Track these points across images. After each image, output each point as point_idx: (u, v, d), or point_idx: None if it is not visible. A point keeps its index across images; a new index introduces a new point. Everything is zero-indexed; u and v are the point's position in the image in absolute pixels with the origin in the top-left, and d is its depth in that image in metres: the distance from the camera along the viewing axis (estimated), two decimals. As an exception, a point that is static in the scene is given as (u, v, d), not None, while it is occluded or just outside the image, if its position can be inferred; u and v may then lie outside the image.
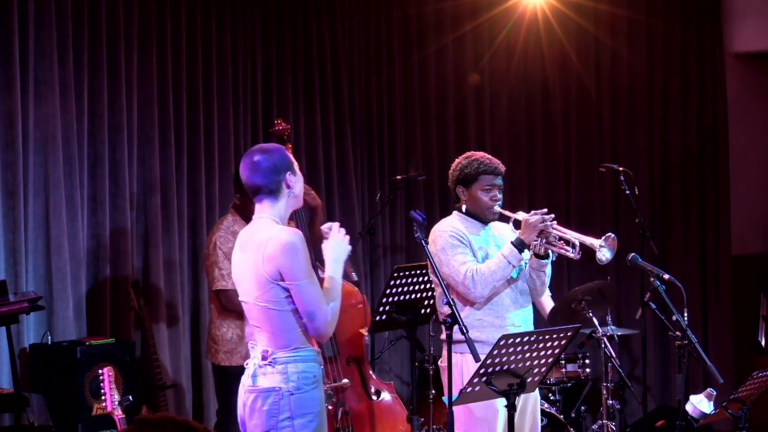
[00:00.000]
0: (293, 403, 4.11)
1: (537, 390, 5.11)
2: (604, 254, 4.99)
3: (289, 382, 4.12)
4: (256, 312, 4.19)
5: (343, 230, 4.35)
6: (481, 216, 5.19)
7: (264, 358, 4.16)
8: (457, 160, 5.25)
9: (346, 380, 6.07)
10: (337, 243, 4.32)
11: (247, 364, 4.28)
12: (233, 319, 5.95)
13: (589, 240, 5.01)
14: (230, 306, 5.92)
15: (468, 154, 5.25)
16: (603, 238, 4.99)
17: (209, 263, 6.00)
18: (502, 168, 5.20)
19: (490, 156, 5.23)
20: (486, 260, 5.09)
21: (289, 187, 4.26)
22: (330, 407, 5.94)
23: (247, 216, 5.84)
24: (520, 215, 5.13)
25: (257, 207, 4.30)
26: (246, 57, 7.23)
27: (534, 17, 8.30)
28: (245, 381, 4.23)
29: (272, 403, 4.11)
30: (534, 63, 8.40)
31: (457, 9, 8.22)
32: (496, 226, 5.28)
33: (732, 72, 8.45)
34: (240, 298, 4.32)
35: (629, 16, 8.40)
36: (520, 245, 5.01)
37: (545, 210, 5.09)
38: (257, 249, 4.15)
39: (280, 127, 6.30)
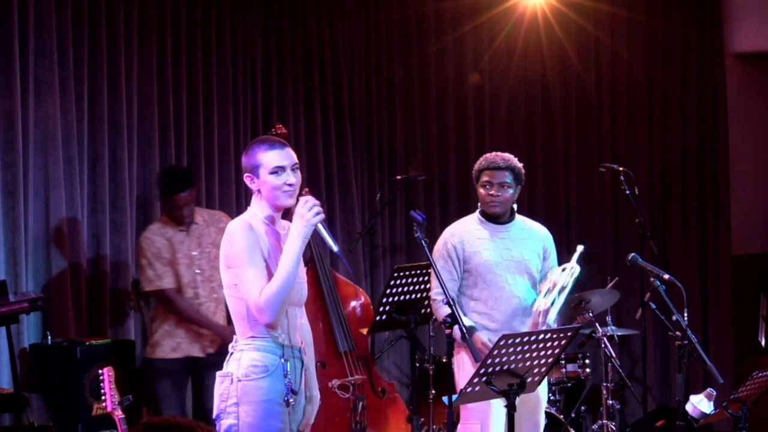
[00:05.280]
0: (240, 390, 4.18)
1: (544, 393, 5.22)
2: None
3: (240, 369, 4.19)
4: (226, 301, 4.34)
5: (310, 201, 4.20)
6: (486, 210, 5.31)
7: (233, 346, 4.26)
8: None
9: (359, 376, 6.12)
10: (298, 216, 4.19)
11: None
12: (164, 314, 6.10)
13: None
14: (168, 305, 6.09)
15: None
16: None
17: (139, 265, 6.16)
18: (500, 162, 5.28)
19: (497, 153, 5.37)
20: (487, 272, 5.20)
21: (253, 189, 4.26)
22: (350, 399, 6.00)
23: (174, 218, 6.11)
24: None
25: None
26: (246, 57, 7.23)
27: (534, 17, 8.30)
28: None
29: (224, 387, 4.20)
30: (534, 63, 8.39)
31: (457, 9, 8.21)
32: (523, 227, 5.37)
33: (732, 72, 8.44)
34: None
35: (629, 16, 8.40)
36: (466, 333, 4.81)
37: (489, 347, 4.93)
38: None
39: (279, 132, 6.31)
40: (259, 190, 4.24)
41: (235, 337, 4.26)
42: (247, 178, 4.26)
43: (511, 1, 8.19)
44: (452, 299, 4.53)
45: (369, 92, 7.94)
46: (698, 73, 8.41)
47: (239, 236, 4.15)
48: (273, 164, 4.22)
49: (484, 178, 5.28)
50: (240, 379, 4.18)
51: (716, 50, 8.40)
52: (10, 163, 6.05)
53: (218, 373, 4.27)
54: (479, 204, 5.37)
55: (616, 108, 8.49)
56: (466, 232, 5.29)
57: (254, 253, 4.14)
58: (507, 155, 5.35)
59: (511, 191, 5.27)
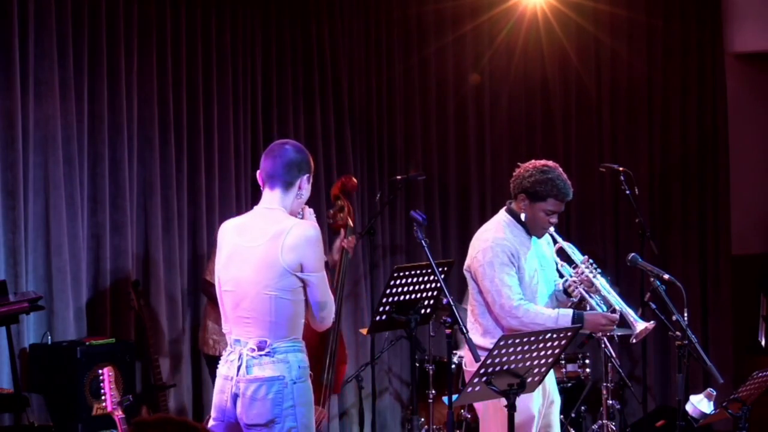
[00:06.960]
0: (296, 392, 4.24)
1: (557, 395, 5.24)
2: (635, 336, 5.02)
3: (292, 371, 4.24)
4: (258, 301, 4.24)
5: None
6: (531, 230, 5.13)
7: (261, 348, 4.23)
8: (532, 166, 5.09)
9: (323, 410, 6.13)
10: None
11: (227, 354, 4.32)
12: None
13: (631, 317, 4.97)
14: (209, 297, 6.03)
15: (544, 166, 5.08)
16: (644, 326, 4.96)
17: (213, 251, 6.12)
18: (571, 193, 5.08)
19: (565, 176, 5.09)
20: (533, 282, 5.07)
21: (300, 188, 4.36)
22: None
23: None
24: (566, 246, 5.15)
25: (267, 195, 4.36)
26: (246, 57, 7.23)
27: (534, 17, 8.30)
28: (230, 372, 4.27)
29: (277, 391, 4.21)
30: (534, 63, 8.39)
31: (457, 9, 8.21)
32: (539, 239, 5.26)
33: (732, 72, 8.44)
34: (231, 288, 4.32)
35: (629, 16, 8.40)
36: (576, 321, 4.94)
37: (616, 318, 5.03)
38: (275, 238, 4.22)
39: (351, 182, 6.42)
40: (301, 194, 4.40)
41: (266, 339, 4.23)
42: (307, 180, 4.38)
43: (511, 1, 8.19)
44: (451, 300, 4.53)
45: (369, 92, 7.93)
46: (698, 73, 8.41)
47: (321, 242, 4.29)
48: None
49: (551, 207, 5.03)
50: (295, 381, 4.24)
51: (716, 50, 8.40)
52: (10, 163, 6.06)
53: (248, 379, 4.21)
54: (514, 208, 5.12)
55: (616, 108, 8.49)
56: (513, 240, 5.08)
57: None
58: (568, 179, 5.11)
59: None
